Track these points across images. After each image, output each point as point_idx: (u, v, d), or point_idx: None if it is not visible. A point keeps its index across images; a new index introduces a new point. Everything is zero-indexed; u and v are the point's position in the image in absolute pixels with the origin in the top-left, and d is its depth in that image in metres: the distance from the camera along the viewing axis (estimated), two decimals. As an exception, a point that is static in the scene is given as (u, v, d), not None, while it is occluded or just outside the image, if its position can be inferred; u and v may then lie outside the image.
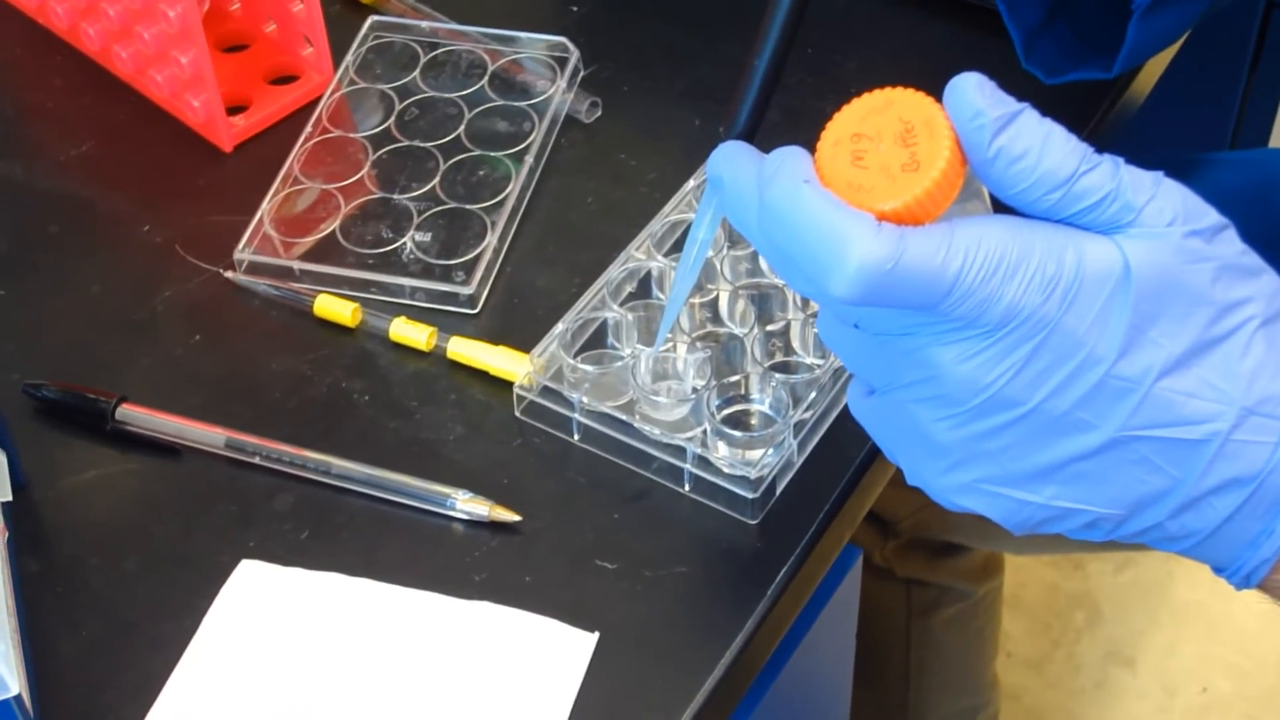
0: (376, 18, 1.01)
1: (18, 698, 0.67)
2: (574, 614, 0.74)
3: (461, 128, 0.95)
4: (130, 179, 0.96)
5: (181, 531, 0.79)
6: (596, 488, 0.79)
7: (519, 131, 0.95)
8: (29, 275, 0.91)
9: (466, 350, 0.84)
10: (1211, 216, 0.57)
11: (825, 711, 1.01)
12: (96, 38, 1.00)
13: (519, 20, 1.01)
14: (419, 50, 1.00)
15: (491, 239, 0.89)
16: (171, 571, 0.77)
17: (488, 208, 0.91)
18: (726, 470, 0.77)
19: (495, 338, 0.85)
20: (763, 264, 0.86)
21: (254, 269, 0.89)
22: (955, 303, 0.55)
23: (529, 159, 0.93)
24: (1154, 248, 0.56)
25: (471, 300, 0.87)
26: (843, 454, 0.80)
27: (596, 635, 0.73)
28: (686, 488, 0.78)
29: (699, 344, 0.83)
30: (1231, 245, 0.57)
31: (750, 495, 0.76)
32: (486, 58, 0.99)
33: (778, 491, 0.78)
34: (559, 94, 0.96)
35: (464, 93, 0.97)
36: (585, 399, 0.80)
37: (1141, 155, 0.74)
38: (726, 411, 0.81)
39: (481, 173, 0.93)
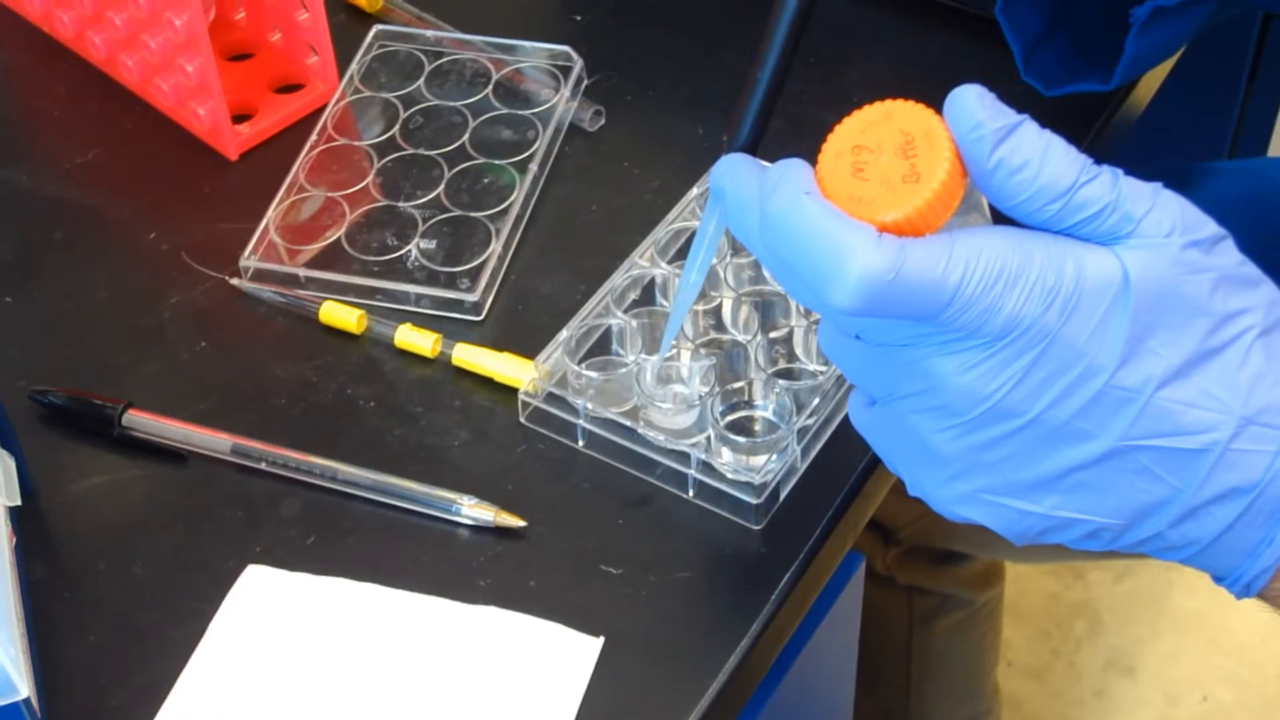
0: (381, 27, 1.02)
1: (26, 701, 0.68)
2: (579, 619, 0.74)
3: (466, 136, 0.96)
4: (136, 187, 0.96)
5: (188, 537, 0.79)
6: (601, 493, 0.80)
7: (523, 140, 0.95)
8: (36, 282, 0.91)
9: (471, 357, 0.84)
10: (1210, 227, 0.57)
11: (827, 717, 1.01)
12: (102, 46, 1.01)
13: (523, 29, 1.01)
14: (423, 59, 1.00)
15: (496, 246, 0.89)
16: (178, 576, 0.77)
17: (492, 215, 0.91)
18: (730, 476, 0.78)
19: (500, 344, 0.85)
20: (765, 270, 0.86)
21: (260, 276, 0.89)
22: (956, 313, 0.55)
23: (533, 167, 0.93)
24: (1153, 258, 0.56)
25: (476, 307, 0.87)
26: (846, 460, 0.80)
27: (601, 640, 0.73)
28: (690, 493, 0.79)
29: (703, 351, 0.83)
30: (1230, 256, 0.58)
31: (754, 501, 0.77)
32: (490, 66, 0.99)
33: (781, 497, 0.78)
34: (563, 103, 0.96)
35: (468, 101, 0.98)
36: (590, 405, 0.80)
37: (1141, 164, 0.74)
38: (730, 418, 0.81)
39: (486, 181, 0.93)
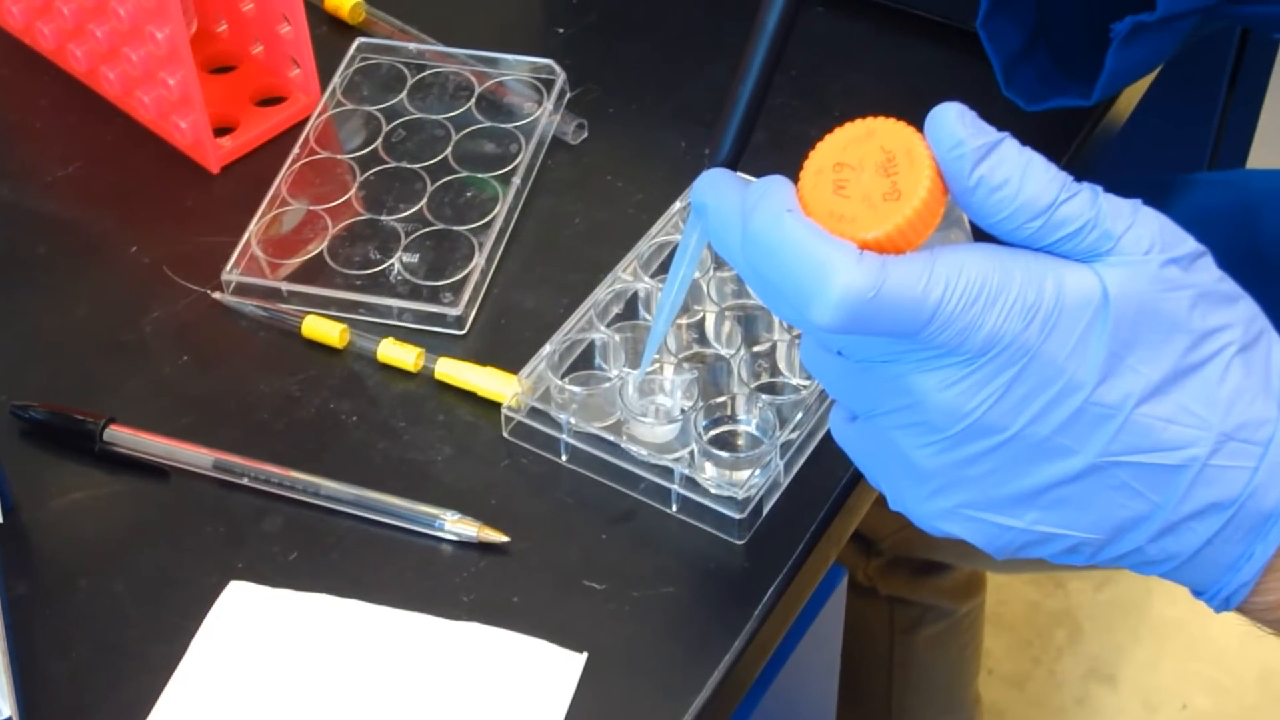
0: (363, 39, 1.02)
1: (8, 719, 0.67)
2: (562, 634, 0.74)
3: (448, 149, 0.95)
4: (118, 200, 0.96)
5: (170, 553, 0.79)
6: (584, 508, 0.79)
7: (506, 153, 0.95)
8: (16, 296, 0.91)
9: (454, 371, 0.84)
10: (1189, 244, 0.58)
11: (810, 730, 1.02)
12: (84, 59, 1.00)
13: (505, 42, 1.01)
14: (406, 72, 1.00)
15: (479, 260, 0.89)
16: (160, 593, 0.77)
17: (475, 229, 0.91)
18: (713, 491, 0.78)
19: (483, 359, 0.85)
20: (748, 286, 0.86)
21: (242, 290, 0.89)
22: (936, 330, 0.55)
23: (516, 180, 0.93)
24: (1132, 275, 0.56)
25: (459, 321, 0.87)
26: (829, 474, 0.80)
27: (585, 656, 0.73)
28: (674, 508, 0.79)
29: (686, 365, 0.83)
30: (1209, 272, 0.58)
31: (737, 516, 0.77)
32: (473, 80, 0.99)
33: (764, 512, 0.78)
34: (545, 116, 0.96)
35: (451, 114, 0.97)
36: (573, 420, 0.80)
37: (1121, 175, 0.75)
38: (713, 432, 0.81)
39: (469, 194, 0.93)
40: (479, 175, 0.94)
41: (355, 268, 0.90)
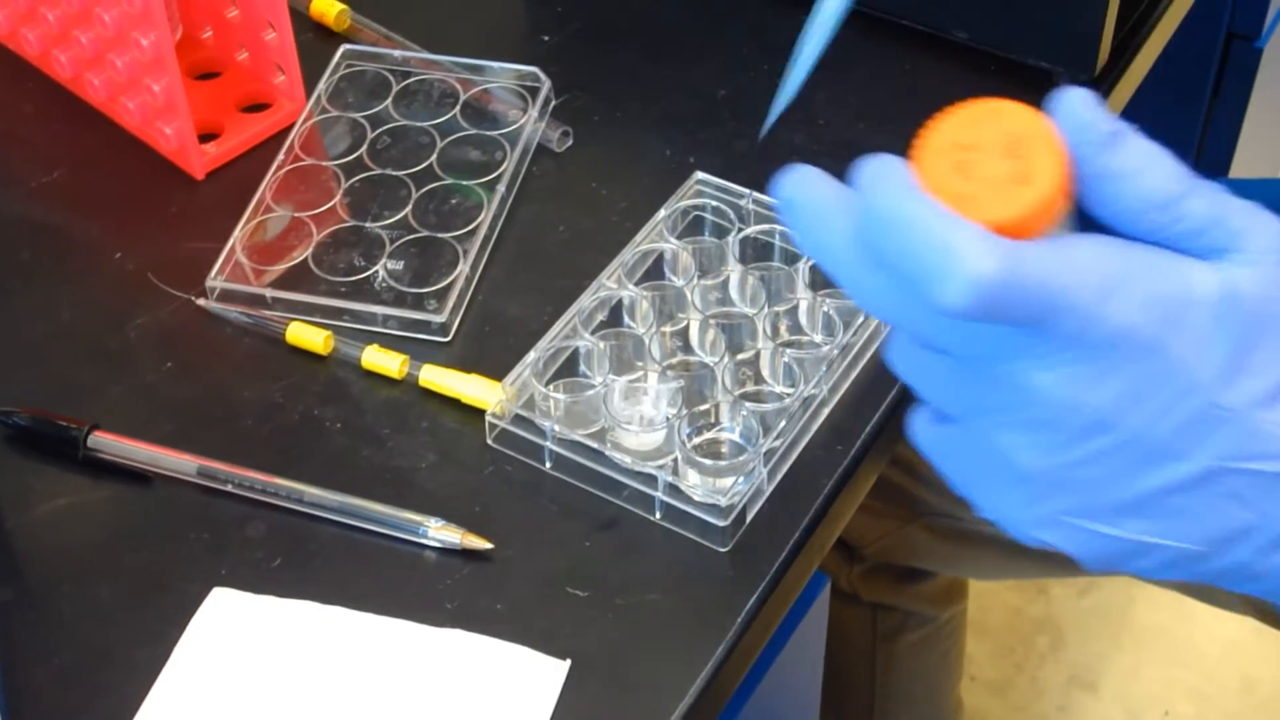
0: (349, 46, 1.02)
1: (-10, 726, 0.67)
2: (545, 641, 0.74)
3: (433, 156, 0.96)
4: (102, 206, 0.96)
5: (153, 559, 0.79)
6: (568, 515, 0.80)
7: (491, 160, 0.95)
8: (0, 302, 0.91)
9: (438, 378, 0.85)
10: None
11: (793, 737, 1.02)
12: (68, 65, 1.00)
13: (491, 50, 1.01)
14: (391, 79, 1.00)
15: (463, 267, 0.89)
16: (143, 599, 0.77)
17: (460, 236, 0.91)
18: (697, 498, 0.78)
19: (467, 366, 0.85)
20: (733, 293, 0.87)
21: (226, 296, 0.89)
22: (1063, 320, 0.53)
23: (501, 188, 0.93)
24: (1256, 275, 0.54)
25: (443, 328, 0.87)
26: (813, 482, 0.80)
27: (568, 663, 0.74)
28: (658, 515, 0.79)
29: (670, 373, 0.83)
30: None
31: (721, 523, 0.77)
32: (458, 87, 0.99)
33: (748, 519, 0.79)
34: (530, 123, 0.96)
35: (436, 121, 0.98)
36: (557, 427, 0.81)
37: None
38: (697, 440, 0.82)
39: (453, 201, 0.93)
40: (464, 182, 0.94)
41: (340, 274, 0.90)
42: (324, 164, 0.96)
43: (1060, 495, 0.57)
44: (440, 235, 0.91)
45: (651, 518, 0.79)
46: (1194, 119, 1.74)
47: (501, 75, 0.99)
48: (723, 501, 0.77)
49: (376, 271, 0.90)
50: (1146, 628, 1.85)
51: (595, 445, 0.80)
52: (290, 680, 0.74)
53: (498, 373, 0.84)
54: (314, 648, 0.75)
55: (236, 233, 0.91)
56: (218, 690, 0.74)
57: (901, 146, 1.03)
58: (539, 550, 0.78)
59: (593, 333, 0.85)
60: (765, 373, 0.84)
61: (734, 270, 0.87)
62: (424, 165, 0.95)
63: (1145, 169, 0.54)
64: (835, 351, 0.83)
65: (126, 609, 0.77)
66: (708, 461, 0.79)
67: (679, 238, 0.89)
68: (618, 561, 0.78)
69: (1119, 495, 0.56)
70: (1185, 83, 1.71)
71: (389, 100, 0.99)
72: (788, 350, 0.84)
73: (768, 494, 0.80)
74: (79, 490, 0.82)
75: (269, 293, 0.89)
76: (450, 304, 0.87)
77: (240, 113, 1.00)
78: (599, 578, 0.77)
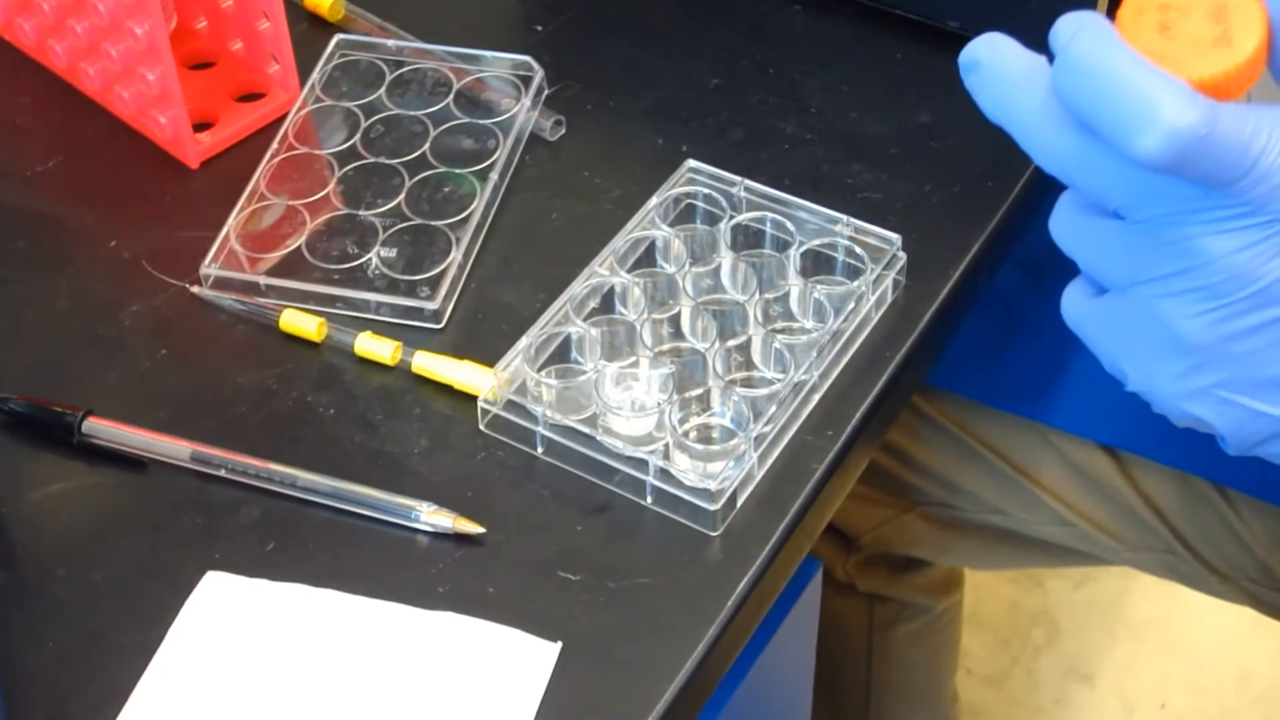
0: (342, 36, 1.02)
1: (-16, 707, 0.68)
2: (537, 624, 0.75)
3: (427, 145, 0.96)
4: (97, 195, 0.96)
5: (148, 544, 0.79)
6: (560, 500, 0.80)
7: (484, 149, 0.96)
8: (-4, 290, 0.91)
9: (431, 365, 0.85)
10: None
11: (786, 723, 1.02)
12: (64, 55, 1.01)
13: (484, 39, 1.02)
14: (384, 68, 1.00)
15: (456, 255, 0.90)
16: (138, 583, 0.78)
17: (453, 224, 0.92)
18: (688, 483, 0.78)
19: (460, 352, 0.86)
20: (724, 280, 0.87)
21: (220, 284, 0.90)
22: (1250, 184, 0.53)
23: (493, 176, 0.94)
24: None
25: (436, 315, 0.88)
26: (803, 467, 0.81)
27: (559, 645, 0.74)
28: (649, 500, 0.79)
29: (661, 359, 0.84)
30: None
31: (711, 507, 0.78)
32: (451, 76, 1.00)
33: (738, 504, 0.79)
34: (523, 112, 0.97)
35: (429, 110, 0.98)
36: (549, 413, 0.81)
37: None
38: (688, 425, 0.82)
39: (446, 189, 0.94)
40: (457, 171, 0.95)
41: (333, 262, 0.90)
42: (318, 153, 0.96)
43: (1217, 368, 0.57)
44: (433, 223, 0.92)
45: (642, 502, 0.80)
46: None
47: (494, 64, 1.00)
48: (713, 486, 0.78)
49: (370, 259, 0.90)
50: (1142, 620, 1.85)
51: (587, 430, 0.81)
52: (283, 663, 0.74)
53: (490, 359, 0.84)
54: (307, 631, 0.75)
55: (230, 221, 0.92)
56: (211, 673, 0.74)
57: (894, 136, 1.05)
58: (531, 534, 0.79)
59: (585, 319, 0.85)
60: (756, 359, 0.85)
61: (725, 257, 0.87)
62: (417, 154, 0.96)
63: None
64: (826, 337, 0.84)
65: (120, 593, 0.77)
66: (699, 446, 0.80)
67: (671, 225, 0.90)
68: (609, 545, 0.78)
69: (1277, 370, 0.56)
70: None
71: (382, 90, 0.99)
72: (778, 336, 0.84)
73: (758, 479, 0.80)
74: (73, 476, 0.82)
75: (263, 280, 0.89)
76: (443, 291, 0.88)
77: (234, 102, 1.00)
78: (590, 561, 0.77)
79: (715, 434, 0.82)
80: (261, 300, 0.89)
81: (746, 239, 0.89)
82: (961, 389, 1.20)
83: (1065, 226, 0.60)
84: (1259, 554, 1.14)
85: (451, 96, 0.99)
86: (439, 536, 0.78)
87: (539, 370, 0.83)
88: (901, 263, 0.88)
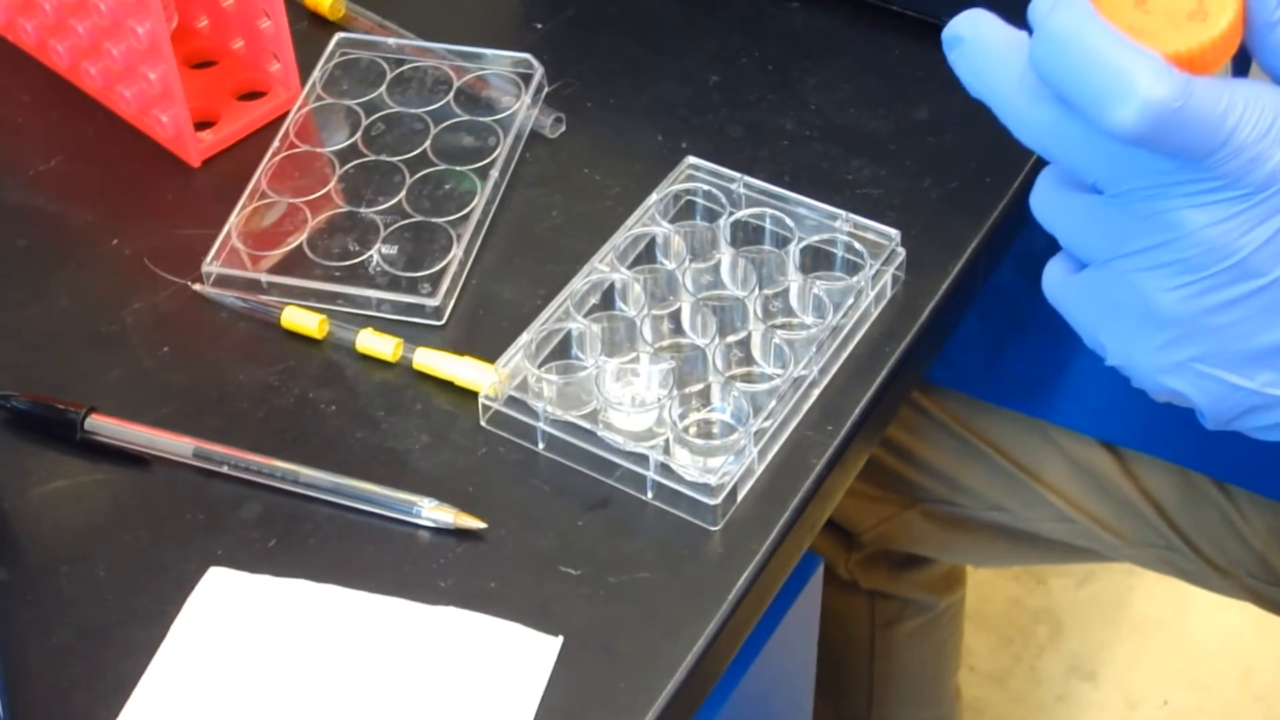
0: (343, 34, 1.02)
1: (-12, 702, 0.68)
2: (538, 619, 0.75)
3: (427, 143, 0.96)
4: (99, 193, 0.97)
5: (150, 540, 0.79)
6: (561, 495, 0.80)
7: (484, 146, 0.96)
8: (-2, 288, 0.92)
9: (432, 361, 0.85)
10: None
11: (787, 718, 1.02)
12: (65, 54, 1.01)
13: (484, 37, 1.02)
14: (385, 67, 1.01)
15: (457, 252, 0.90)
16: (140, 579, 0.78)
17: (453, 221, 0.92)
18: (688, 478, 0.79)
19: (461, 349, 0.86)
20: (724, 276, 0.87)
21: (222, 282, 0.90)
22: (1225, 157, 0.54)
23: (494, 173, 0.94)
24: None
25: (437, 312, 0.88)
26: (803, 462, 0.81)
27: (560, 640, 0.74)
28: (649, 495, 0.80)
29: (661, 355, 0.84)
30: None
31: (711, 502, 0.78)
32: (452, 74, 1.00)
33: (739, 499, 0.79)
34: (523, 110, 0.97)
35: (430, 108, 0.98)
36: (550, 408, 0.81)
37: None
38: (688, 420, 0.82)
39: (447, 187, 0.94)
40: (457, 168, 0.95)
41: (334, 259, 0.91)
42: (319, 151, 0.96)
43: (1195, 341, 0.57)
44: (434, 220, 0.92)
45: (643, 497, 0.80)
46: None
47: (495, 62, 1.00)
48: (713, 481, 0.78)
49: (371, 256, 0.90)
50: (1145, 618, 1.85)
51: (587, 426, 0.81)
52: (286, 658, 0.74)
53: (491, 355, 0.84)
54: (309, 626, 0.75)
55: (232, 219, 0.92)
56: (214, 668, 0.74)
57: (892, 132, 1.06)
58: (532, 529, 0.79)
59: (585, 315, 0.85)
60: (756, 354, 0.85)
61: (725, 253, 0.88)
62: (418, 151, 0.96)
63: None
64: (825, 333, 0.84)
65: (123, 589, 0.77)
66: (699, 441, 0.80)
67: (671, 222, 0.90)
68: (609, 540, 0.78)
69: (1254, 344, 0.57)
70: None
71: (383, 87, 1.00)
72: (778, 332, 0.84)
73: (758, 473, 0.80)
74: (76, 472, 0.82)
75: (264, 278, 0.89)
76: (444, 288, 0.88)
77: (236, 101, 1.01)
78: (591, 556, 0.78)
79: (715, 429, 0.82)
80: (263, 297, 0.89)
81: (746, 235, 0.90)
82: (963, 386, 1.20)
83: (1045, 201, 0.60)
84: (1258, 549, 1.14)
85: (452, 94, 0.99)
86: (440, 532, 0.79)
87: (540, 366, 0.84)
88: (901, 258, 0.88)
